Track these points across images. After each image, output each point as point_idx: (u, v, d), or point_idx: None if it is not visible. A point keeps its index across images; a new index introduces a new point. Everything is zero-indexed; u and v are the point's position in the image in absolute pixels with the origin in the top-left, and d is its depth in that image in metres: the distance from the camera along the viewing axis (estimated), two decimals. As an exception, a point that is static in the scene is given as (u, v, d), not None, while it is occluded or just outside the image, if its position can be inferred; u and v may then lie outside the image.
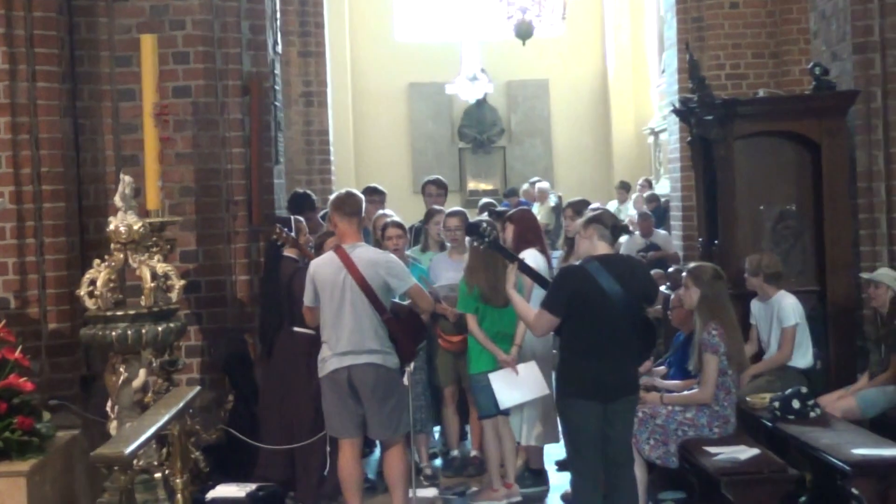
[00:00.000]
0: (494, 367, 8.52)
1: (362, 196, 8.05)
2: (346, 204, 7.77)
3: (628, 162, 24.12)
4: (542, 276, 7.89)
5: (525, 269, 7.59)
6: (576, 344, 6.90)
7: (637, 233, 14.88)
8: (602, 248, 6.95)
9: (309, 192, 11.44)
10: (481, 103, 24.48)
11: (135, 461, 5.86)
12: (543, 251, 9.11)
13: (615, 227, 7.05)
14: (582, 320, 6.83)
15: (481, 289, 8.45)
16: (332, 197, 8.05)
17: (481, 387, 8.56)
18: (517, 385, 8.52)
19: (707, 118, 9.73)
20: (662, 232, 15.50)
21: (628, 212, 18.68)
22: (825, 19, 10.12)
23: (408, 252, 9.58)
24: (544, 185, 21.21)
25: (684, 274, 8.32)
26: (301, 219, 9.14)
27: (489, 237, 7.53)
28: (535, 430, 8.97)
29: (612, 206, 19.27)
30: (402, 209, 10.86)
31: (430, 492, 8.93)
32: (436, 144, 25.05)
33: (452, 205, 11.48)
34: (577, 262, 7.12)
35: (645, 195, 18.51)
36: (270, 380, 8.64)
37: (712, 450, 7.47)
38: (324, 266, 7.70)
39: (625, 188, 20.55)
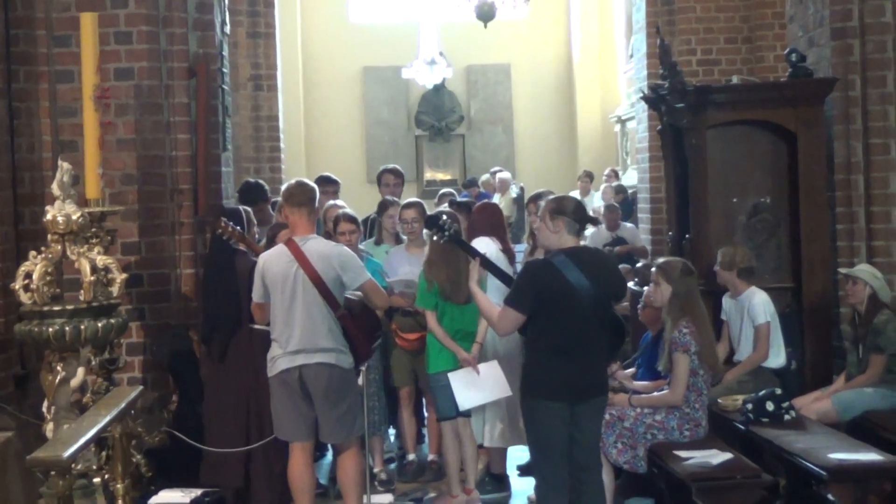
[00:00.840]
0: (454, 366, 8.51)
1: (315, 186, 8.00)
2: (298, 194, 7.72)
3: (594, 151, 24.21)
4: (505, 272, 7.88)
5: (488, 265, 7.57)
6: (542, 342, 6.87)
7: (603, 225, 14.87)
8: (570, 240, 6.93)
9: (261, 181, 11.39)
10: (439, 89, 24.50)
11: (73, 465, 5.81)
12: (504, 243, 9.14)
13: (582, 218, 7.03)
14: (549, 317, 6.80)
15: (441, 284, 8.43)
16: (283, 187, 8.00)
17: (440, 387, 8.54)
18: (478, 385, 8.51)
19: (678, 106, 9.75)
20: (629, 225, 15.51)
21: (593, 203, 18.71)
22: (802, 3, 10.16)
23: (361, 245, 9.55)
24: (505, 175, 21.21)
25: (654, 269, 8.32)
26: (250, 210, 9.09)
27: (449, 230, 7.51)
28: (497, 432, 8.97)
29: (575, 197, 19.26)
30: (356, 200, 10.87)
31: (386, 498, 8.91)
32: (391, 132, 25.06)
33: (409, 195, 11.47)
34: (544, 257, 7.10)
35: (613, 186, 18.54)
36: (225, 381, 8.55)
37: (683, 454, 7.48)
38: (274, 260, 7.65)
39: (589, 178, 20.58)
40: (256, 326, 8.33)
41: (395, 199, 10.36)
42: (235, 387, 8.46)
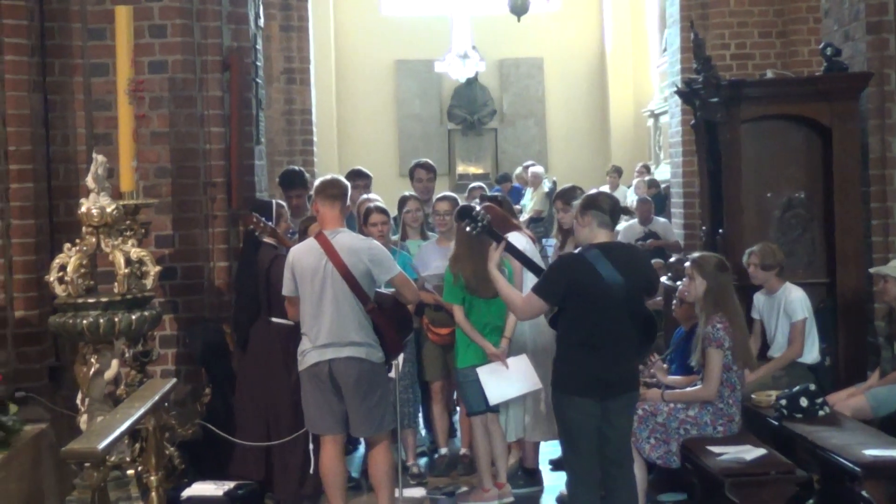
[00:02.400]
0: (483, 360, 8.50)
1: (347, 182, 8.01)
2: (329, 188, 7.73)
3: (626, 145, 24.16)
4: (530, 258, 7.86)
5: (511, 249, 7.52)
6: (573, 336, 6.85)
7: (635, 220, 14.83)
8: (602, 235, 6.91)
9: (301, 168, 11.46)
10: (472, 82, 24.47)
11: (107, 457, 5.83)
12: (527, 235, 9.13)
13: (614, 212, 7.01)
14: (580, 311, 6.78)
15: (467, 279, 8.40)
16: (317, 181, 8.01)
17: (469, 381, 8.52)
18: (507, 380, 8.49)
19: (712, 100, 9.70)
20: (662, 220, 15.47)
21: (625, 199, 18.66)
22: (837, -3, 10.10)
23: (394, 238, 9.56)
24: (538, 169, 21.17)
25: (688, 264, 8.29)
26: (283, 203, 9.11)
27: (482, 221, 7.48)
28: (531, 426, 8.96)
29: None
30: (388, 193, 10.85)
31: (418, 492, 8.91)
32: (423, 125, 25.05)
33: (441, 189, 11.44)
34: (576, 251, 7.09)
35: (646, 180, 18.48)
36: (246, 373, 8.60)
37: (716, 449, 7.46)
38: (303, 253, 7.66)
39: (617, 173, 20.52)
40: (275, 319, 8.37)
41: (415, 194, 10.34)
42: (255, 379, 8.51)
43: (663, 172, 19.10)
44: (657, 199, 16.94)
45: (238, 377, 8.70)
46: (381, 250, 7.80)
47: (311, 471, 8.29)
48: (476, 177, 23.04)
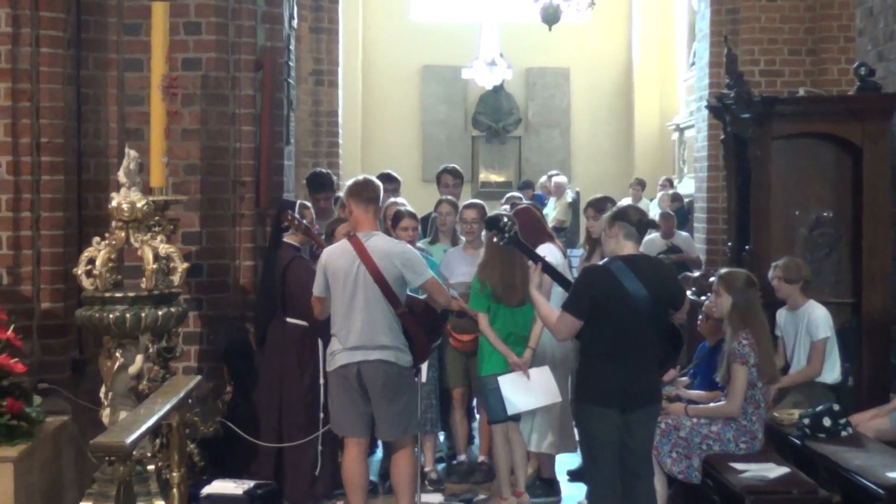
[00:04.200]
0: (506, 369, 8.48)
1: (380, 184, 8.00)
2: (364, 190, 7.74)
3: (650, 158, 24.12)
4: (565, 276, 7.85)
5: (549, 269, 7.53)
6: (596, 347, 6.86)
7: (657, 233, 14.79)
8: (628, 247, 6.90)
9: (329, 172, 11.47)
10: (498, 90, 24.46)
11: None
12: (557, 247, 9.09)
13: (641, 224, 7.01)
14: (604, 323, 6.78)
15: (494, 287, 8.40)
16: (348, 182, 8.00)
17: (491, 390, 8.51)
18: (528, 390, 8.48)
19: (744, 116, 9.69)
20: (684, 234, 15.43)
21: (647, 211, 18.59)
22: (872, 16, 10.08)
23: (419, 244, 9.55)
24: (562, 179, 21.17)
25: (715, 280, 8.27)
26: (308, 204, 9.11)
27: (510, 232, 7.47)
28: (547, 439, 8.94)
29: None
30: (411, 198, 10.82)
31: (435, 497, 8.90)
32: (448, 131, 25.05)
33: (464, 197, 11.44)
34: (602, 262, 7.08)
35: (669, 193, 18.44)
36: (266, 372, 8.60)
37: (739, 466, 7.44)
38: (336, 255, 7.66)
39: (640, 185, 20.48)
40: (290, 320, 8.38)
41: (451, 198, 10.34)
42: (270, 379, 8.51)
43: (687, 186, 19.06)
44: (680, 214, 16.91)
45: (259, 376, 8.70)
46: (413, 254, 7.80)
47: (317, 472, 8.29)
48: (498, 184, 23.07)
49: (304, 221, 8.48)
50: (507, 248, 7.80)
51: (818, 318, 8.81)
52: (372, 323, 7.51)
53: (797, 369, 8.91)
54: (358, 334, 7.50)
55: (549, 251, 8.49)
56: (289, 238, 8.58)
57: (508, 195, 12.02)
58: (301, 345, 8.37)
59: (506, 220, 7.64)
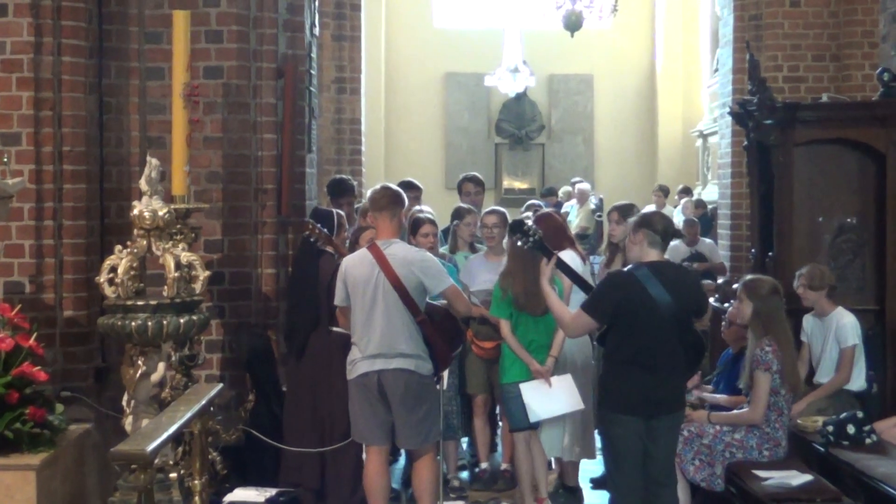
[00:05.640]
0: (527, 377, 8.47)
1: (402, 192, 7.99)
2: (383, 198, 7.74)
3: (674, 165, 24.09)
4: (581, 276, 7.84)
5: (563, 266, 7.51)
6: (620, 354, 6.86)
7: (681, 240, 14.74)
8: (653, 254, 6.90)
9: (349, 177, 11.49)
10: (521, 97, 24.46)
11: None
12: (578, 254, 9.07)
13: (666, 232, 7.00)
14: (628, 330, 6.79)
15: (516, 294, 8.39)
16: (370, 191, 8.01)
17: (513, 397, 8.50)
18: (550, 398, 8.46)
19: (767, 122, 9.66)
20: (708, 241, 15.38)
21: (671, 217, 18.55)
22: (895, 22, 10.02)
23: (441, 250, 9.55)
24: (585, 186, 21.14)
25: (738, 286, 8.25)
26: (342, 213, 9.10)
27: (534, 236, 7.46)
28: (569, 446, 8.92)
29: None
30: (434, 205, 10.83)
31: (458, 505, 8.92)
32: (471, 139, 25.06)
33: (487, 204, 11.47)
34: (626, 269, 7.07)
35: (693, 200, 18.39)
36: (301, 381, 8.58)
37: (762, 474, 7.41)
38: (356, 263, 7.67)
39: (663, 192, 20.45)
40: (336, 329, 8.35)
41: (472, 207, 10.34)
42: (311, 387, 8.49)
43: (710, 193, 19.02)
44: (703, 220, 16.86)
45: (290, 384, 8.69)
46: (433, 262, 7.79)
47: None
48: (522, 192, 23.05)
49: (325, 231, 8.46)
50: (532, 257, 7.78)
51: (847, 325, 8.77)
52: (392, 331, 7.51)
53: (823, 376, 8.87)
54: (378, 342, 7.51)
55: (569, 257, 8.46)
56: (325, 246, 8.56)
57: (529, 202, 12.01)
58: (345, 353, 8.36)
59: (530, 224, 7.63)
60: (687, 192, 20.36)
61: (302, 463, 8.40)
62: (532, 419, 8.43)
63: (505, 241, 9.01)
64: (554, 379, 8.48)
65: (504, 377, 8.60)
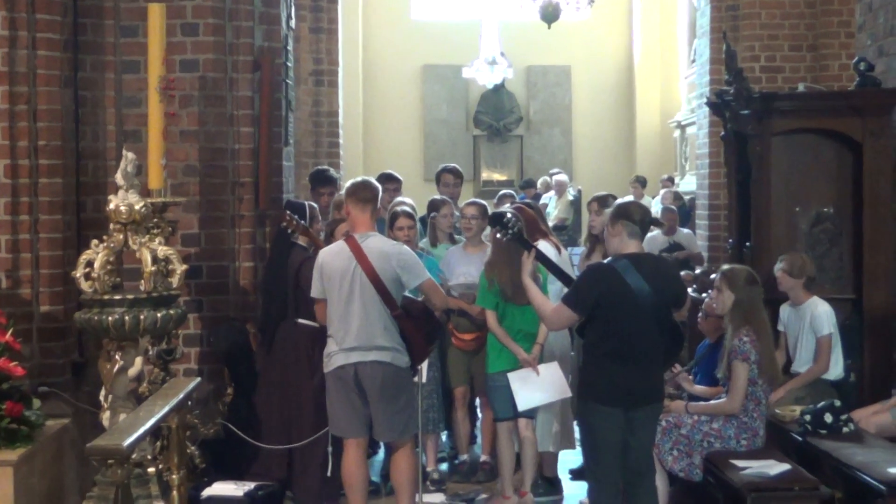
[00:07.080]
0: (514, 366, 8.48)
1: (379, 185, 7.99)
2: (361, 191, 7.73)
3: (652, 156, 24.12)
4: (559, 266, 7.84)
5: (541, 258, 7.52)
6: (601, 346, 6.86)
7: (659, 230, 14.74)
8: (632, 245, 6.90)
9: (331, 168, 11.50)
10: (499, 89, 24.42)
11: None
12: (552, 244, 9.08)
13: (644, 222, 7.01)
14: (608, 321, 6.79)
15: (503, 286, 8.39)
16: (347, 184, 8.01)
17: (498, 387, 8.51)
18: (537, 386, 8.49)
19: (743, 112, 9.66)
20: (686, 231, 15.40)
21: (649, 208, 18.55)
22: (871, 12, 10.04)
23: (420, 244, 9.54)
24: (563, 177, 21.16)
25: (716, 276, 8.26)
26: (315, 205, 9.10)
27: (514, 229, 7.46)
28: (549, 436, 8.94)
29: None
30: (413, 197, 10.80)
31: (437, 497, 8.90)
32: (450, 130, 25.03)
33: (465, 195, 11.47)
34: (606, 261, 7.07)
35: (672, 191, 18.42)
36: (270, 373, 8.60)
37: (740, 463, 7.43)
38: (332, 256, 7.66)
39: (640, 183, 20.46)
40: (301, 321, 8.37)
41: (447, 198, 10.34)
42: (279, 380, 8.51)
43: (688, 184, 19.06)
44: (681, 211, 16.89)
45: (261, 377, 8.70)
46: (410, 255, 7.79)
47: (329, 473, 8.27)
48: (501, 183, 23.00)
49: (303, 222, 8.47)
50: (515, 248, 7.79)
51: (822, 314, 8.79)
52: (369, 324, 7.51)
53: (800, 365, 8.89)
54: (355, 335, 7.50)
55: (542, 248, 8.46)
56: (301, 237, 8.56)
57: (500, 193, 11.99)
58: (312, 346, 8.36)
59: (509, 216, 7.63)
60: (671, 181, 20.36)
61: (270, 456, 8.41)
62: (521, 408, 8.44)
63: (485, 232, 9.01)
64: (541, 367, 8.51)
65: (490, 367, 8.61)
